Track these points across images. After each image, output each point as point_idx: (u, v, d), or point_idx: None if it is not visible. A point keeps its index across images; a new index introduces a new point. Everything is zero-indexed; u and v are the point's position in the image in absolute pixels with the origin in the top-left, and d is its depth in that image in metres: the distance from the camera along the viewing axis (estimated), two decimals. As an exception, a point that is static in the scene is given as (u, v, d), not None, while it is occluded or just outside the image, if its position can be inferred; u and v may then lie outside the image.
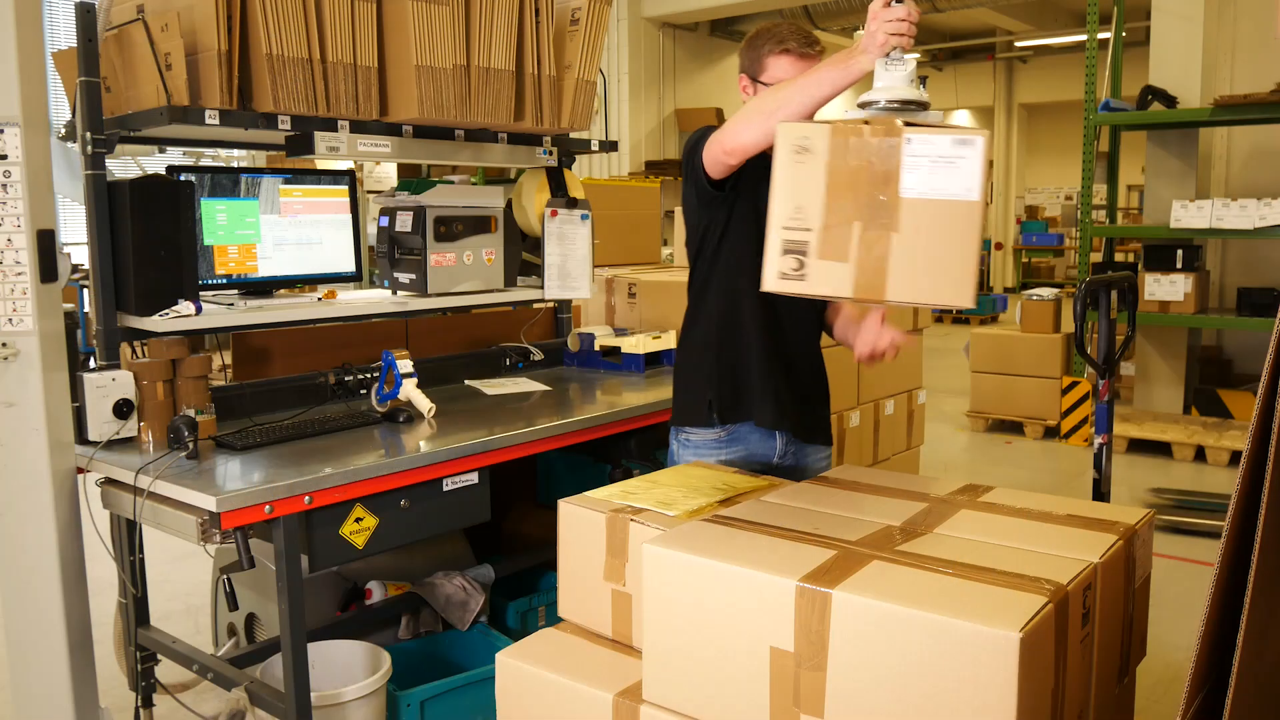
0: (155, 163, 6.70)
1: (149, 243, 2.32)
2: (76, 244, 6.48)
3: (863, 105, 1.58)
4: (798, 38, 2.18)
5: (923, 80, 1.61)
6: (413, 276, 2.89)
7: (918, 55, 2.06)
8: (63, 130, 2.51)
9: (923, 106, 1.55)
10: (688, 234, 2.29)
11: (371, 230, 3.13)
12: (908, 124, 1.42)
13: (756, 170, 2.02)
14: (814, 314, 2.28)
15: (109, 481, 2.22)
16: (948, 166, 1.38)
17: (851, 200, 1.43)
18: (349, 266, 2.92)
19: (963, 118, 17.16)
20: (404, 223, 2.90)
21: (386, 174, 7.24)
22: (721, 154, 1.96)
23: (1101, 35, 6.46)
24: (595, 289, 3.23)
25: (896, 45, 1.57)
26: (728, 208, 2.15)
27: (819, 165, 1.45)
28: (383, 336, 3.04)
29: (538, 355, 3.38)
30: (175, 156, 6.40)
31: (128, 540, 2.38)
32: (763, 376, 2.20)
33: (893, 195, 1.40)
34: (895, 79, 1.57)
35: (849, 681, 1.24)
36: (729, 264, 2.21)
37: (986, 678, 1.14)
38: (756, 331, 2.20)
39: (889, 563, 1.34)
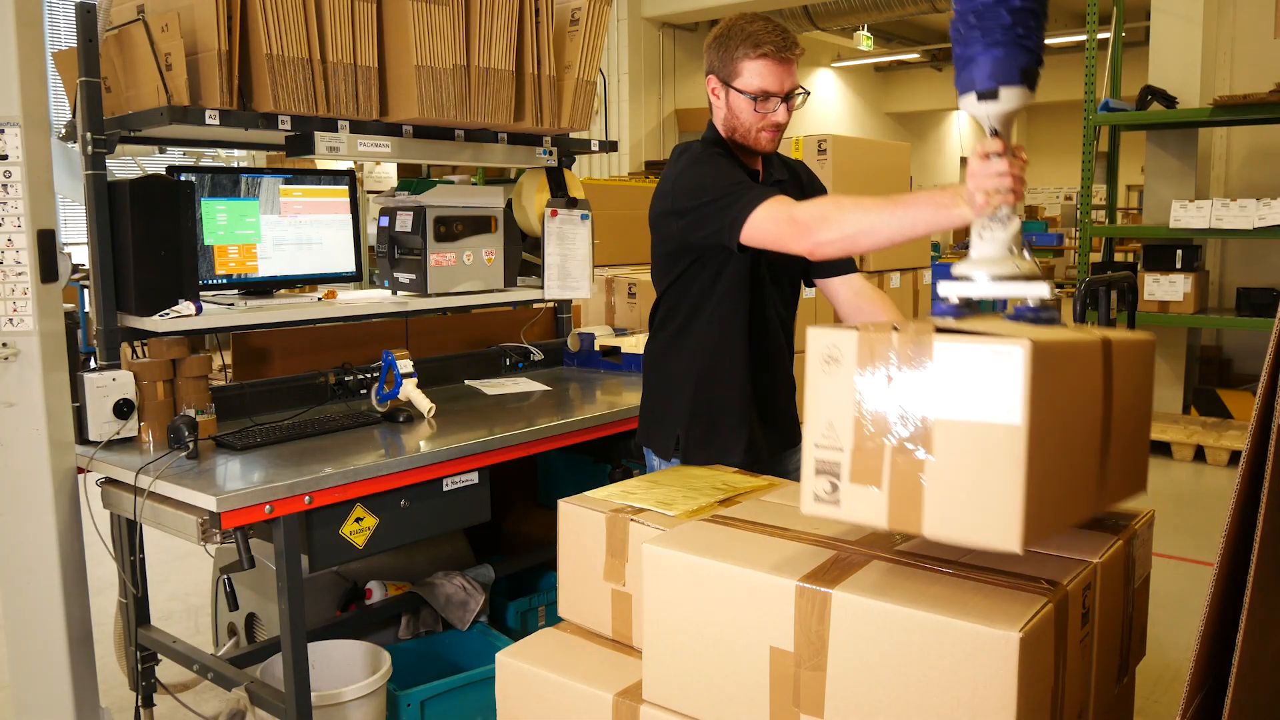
0: (155, 163, 6.71)
1: (149, 243, 2.32)
2: (76, 244, 6.48)
3: (957, 278, 1.44)
4: (775, 39, 1.95)
5: (1028, 241, 1.43)
6: (413, 276, 2.89)
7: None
8: (63, 130, 2.51)
9: (1029, 279, 1.39)
10: (663, 248, 2.12)
11: (371, 230, 3.14)
12: (940, 330, 1.23)
13: None
14: (790, 328, 2.21)
15: (109, 481, 2.22)
16: (984, 382, 1.18)
17: (883, 419, 1.27)
18: (349, 266, 2.92)
19: (964, 118, 17.15)
20: (404, 223, 2.90)
21: (386, 174, 7.23)
22: (801, 250, 1.78)
23: (1101, 35, 6.45)
24: (595, 289, 3.23)
25: (999, 204, 1.42)
26: None
27: (848, 377, 1.29)
28: (383, 336, 3.04)
29: (538, 355, 3.38)
30: (175, 156, 6.41)
31: (128, 540, 2.38)
32: (739, 423, 2.12)
33: (925, 414, 1.23)
34: (991, 248, 1.42)
35: (849, 681, 1.24)
36: (724, 297, 2.08)
37: (986, 678, 1.14)
38: (741, 374, 2.11)
39: (889, 563, 1.34)
